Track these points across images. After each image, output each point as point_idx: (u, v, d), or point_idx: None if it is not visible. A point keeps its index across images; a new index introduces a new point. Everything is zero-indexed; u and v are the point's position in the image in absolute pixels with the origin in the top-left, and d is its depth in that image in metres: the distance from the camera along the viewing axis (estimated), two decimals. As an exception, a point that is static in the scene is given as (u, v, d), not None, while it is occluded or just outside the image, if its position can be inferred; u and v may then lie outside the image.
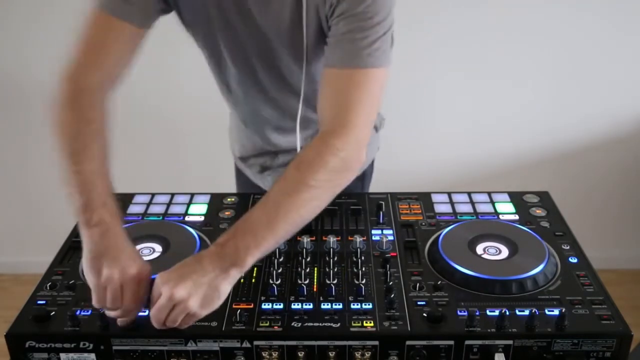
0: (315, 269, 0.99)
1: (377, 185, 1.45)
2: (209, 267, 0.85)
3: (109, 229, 0.90)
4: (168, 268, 0.95)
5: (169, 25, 2.32)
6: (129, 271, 0.86)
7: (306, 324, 0.88)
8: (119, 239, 0.90)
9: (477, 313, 0.89)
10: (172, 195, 1.21)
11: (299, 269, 0.99)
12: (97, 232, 0.89)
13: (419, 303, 0.92)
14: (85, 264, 0.89)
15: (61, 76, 1.05)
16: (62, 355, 0.88)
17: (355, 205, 1.16)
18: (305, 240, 1.05)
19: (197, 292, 0.83)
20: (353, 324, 0.88)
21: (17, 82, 2.28)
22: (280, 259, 1.01)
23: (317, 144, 0.95)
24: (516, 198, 1.20)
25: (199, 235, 1.06)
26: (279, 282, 0.96)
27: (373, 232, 1.09)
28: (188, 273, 0.84)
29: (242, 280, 0.97)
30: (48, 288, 0.95)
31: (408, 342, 0.87)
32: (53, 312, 0.90)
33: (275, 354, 0.87)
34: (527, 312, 0.88)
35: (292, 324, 0.88)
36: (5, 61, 2.26)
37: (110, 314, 0.87)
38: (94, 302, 0.87)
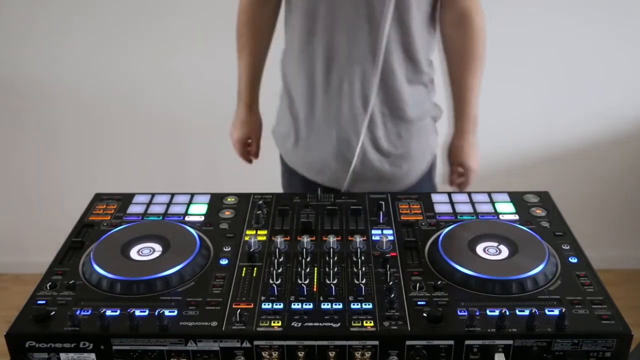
0: (315, 269, 0.99)
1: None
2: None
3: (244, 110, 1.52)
4: (168, 268, 0.96)
5: (169, 25, 2.32)
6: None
7: (306, 324, 0.88)
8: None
9: (477, 313, 0.89)
10: (172, 195, 1.21)
11: (299, 269, 0.99)
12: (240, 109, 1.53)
13: (419, 303, 0.92)
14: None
15: None
16: (62, 355, 0.88)
17: (355, 205, 1.16)
18: (305, 240, 1.05)
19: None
20: (353, 324, 0.88)
21: (16, 83, 2.29)
22: (280, 259, 1.01)
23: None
24: (516, 198, 1.20)
25: (199, 235, 1.06)
26: (279, 282, 0.96)
27: (373, 232, 1.09)
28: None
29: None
30: (48, 288, 0.95)
31: (408, 342, 0.87)
32: (53, 312, 0.90)
33: (275, 354, 0.87)
34: (527, 312, 0.88)
35: (292, 324, 0.88)
36: (3, 62, 2.26)
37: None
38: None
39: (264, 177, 1.69)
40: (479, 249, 1.02)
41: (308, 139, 1.42)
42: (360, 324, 0.88)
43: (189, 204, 1.18)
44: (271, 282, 0.95)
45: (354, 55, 1.29)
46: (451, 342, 0.86)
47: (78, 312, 0.89)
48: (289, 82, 1.42)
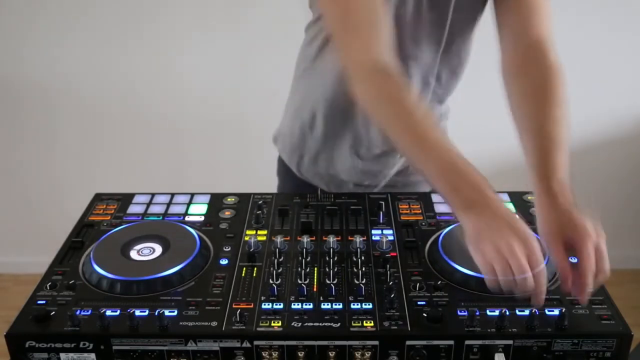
0: (315, 269, 0.99)
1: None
2: None
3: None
4: (168, 268, 0.96)
5: (169, 25, 2.31)
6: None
7: (306, 324, 0.88)
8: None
9: (477, 313, 0.89)
10: (172, 195, 1.21)
11: (299, 269, 0.99)
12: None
13: (419, 303, 0.92)
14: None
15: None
16: (62, 355, 0.88)
17: (355, 205, 1.16)
18: (305, 240, 1.05)
19: None
20: (353, 324, 0.88)
21: (16, 83, 2.29)
22: (280, 259, 1.01)
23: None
24: (516, 198, 1.20)
25: (199, 235, 1.06)
26: (279, 282, 0.96)
27: (373, 232, 1.09)
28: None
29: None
30: (48, 288, 0.95)
31: (408, 342, 0.87)
32: (53, 312, 0.90)
33: (275, 354, 0.87)
34: (527, 312, 0.88)
35: (292, 324, 0.88)
36: (3, 62, 2.26)
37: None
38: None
39: (264, 177, 1.69)
40: (479, 249, 1.02)
41: (332, 158, 1.31)
42: (360, 324, 0.88)
43: (189, 204, 1.18)
44: (271, 282, 0.95)
45: None
46: (451, 342, 0.87)
47: (78, 312, 0.89)
48: (313, 101, 1.26)
